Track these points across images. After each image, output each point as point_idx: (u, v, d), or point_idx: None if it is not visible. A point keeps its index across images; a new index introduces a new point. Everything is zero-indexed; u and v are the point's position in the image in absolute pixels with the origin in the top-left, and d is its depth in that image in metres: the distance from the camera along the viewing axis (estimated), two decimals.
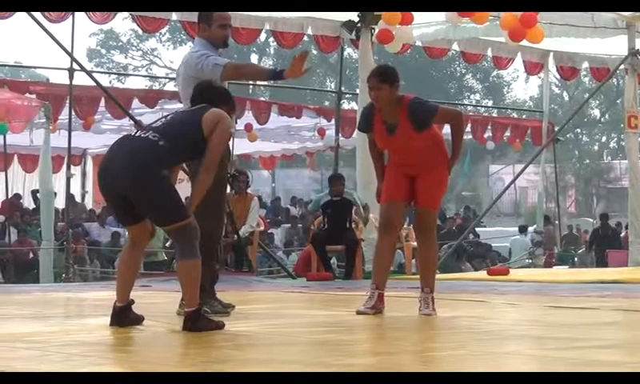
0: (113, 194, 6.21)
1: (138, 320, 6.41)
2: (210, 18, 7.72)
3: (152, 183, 6.03)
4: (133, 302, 6.42)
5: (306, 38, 16.69)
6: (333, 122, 20.35)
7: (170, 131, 6.20)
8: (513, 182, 22.77)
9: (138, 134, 6.25)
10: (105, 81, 35.75)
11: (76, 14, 14.21)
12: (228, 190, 13.90)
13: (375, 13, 14.59)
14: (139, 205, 6.12)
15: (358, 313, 7.27)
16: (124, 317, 6.34)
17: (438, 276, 7.75)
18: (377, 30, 14.81)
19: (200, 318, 6.10)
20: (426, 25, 16.13)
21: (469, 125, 23.32)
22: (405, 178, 7.43)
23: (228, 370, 4.57)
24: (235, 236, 13.80)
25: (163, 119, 6.39)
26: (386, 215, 7.50)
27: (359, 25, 15.14)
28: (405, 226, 13.94)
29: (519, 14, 13.58)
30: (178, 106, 19.81)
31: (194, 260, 6.10)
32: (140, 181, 6.01)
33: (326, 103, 38.26)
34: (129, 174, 6.02)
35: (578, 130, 53.20)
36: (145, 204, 6.10)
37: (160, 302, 8.78)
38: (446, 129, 10.99)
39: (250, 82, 45.93)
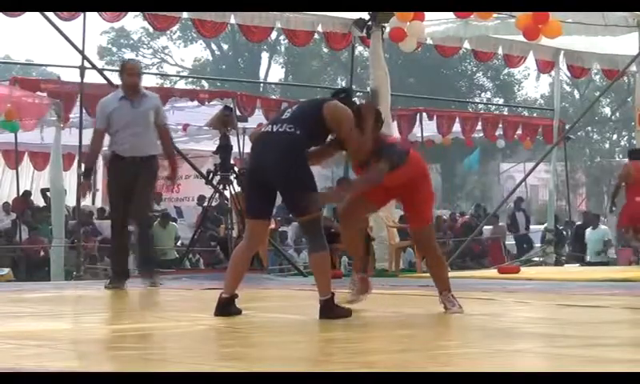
0: (262, 188, 6.61)
1: (238, 312, 6.72)
2: None
3: (300, 177, 6.45)
4: (237, 295, 6.75)
5: (316, 35, 16.67)
6: None
7: (300, 116, 6.59)
8: (524, 180, 22.69)
9: (275, 130, 6.55)
10: (116, 79, 35.59)
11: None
12: (238, 188, 13.97)
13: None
14: (284, 196, 6.59)
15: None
16: (228, 308, 6.68)
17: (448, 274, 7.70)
18: (387, 28, 14.78)
19: (334, 306, 6.57)
20: (437, 23, 16.09)
21: (479, 123, 23.34)
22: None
23: (240, 368, 4.56)
24: None
25: (290, 110, 6.74)
26: (341, 207, 7.38)
27: (370, 23, 15.10)
28: None
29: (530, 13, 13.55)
30: (188, 103, 19.89)
31: (325, 252, 6.63)
32: (291, 176, 6.44)
33: None
34: (281, 172, 6.44)
35: (589, 128, 53.02)
36: (289, 195, 6.55)
37: (170, 299, 8.79)
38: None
39: (261, 81, 46.07)
